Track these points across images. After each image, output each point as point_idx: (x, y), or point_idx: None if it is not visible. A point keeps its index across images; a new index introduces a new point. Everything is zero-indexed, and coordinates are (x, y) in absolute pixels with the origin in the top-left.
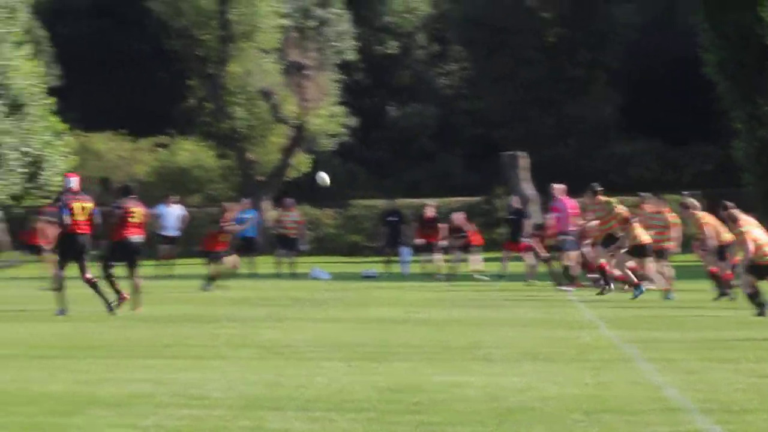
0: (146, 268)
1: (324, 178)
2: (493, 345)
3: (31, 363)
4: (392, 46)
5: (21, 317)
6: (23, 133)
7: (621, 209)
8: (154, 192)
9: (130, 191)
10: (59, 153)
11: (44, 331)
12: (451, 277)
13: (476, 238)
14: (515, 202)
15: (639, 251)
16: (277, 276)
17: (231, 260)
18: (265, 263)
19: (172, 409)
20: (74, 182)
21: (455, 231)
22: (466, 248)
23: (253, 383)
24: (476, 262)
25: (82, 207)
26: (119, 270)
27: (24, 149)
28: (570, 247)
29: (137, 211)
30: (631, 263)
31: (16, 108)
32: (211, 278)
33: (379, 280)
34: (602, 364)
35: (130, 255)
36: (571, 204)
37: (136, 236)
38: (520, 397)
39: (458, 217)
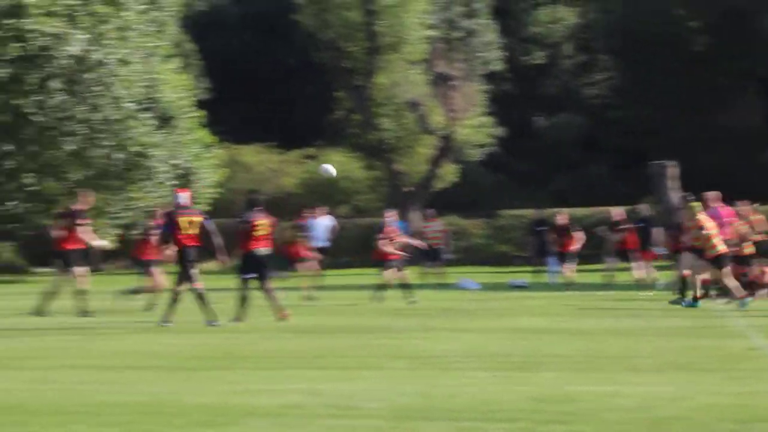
0: (294, 279)
1: (328, 169)
2: (641, 354)
3: (184, 375)
4: (539, 56)
5: (173, 329)
6: (173, 146)
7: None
8: (302, 203)
9: (256, 204)
10: (208, 165)
11: (196, 343)
12: (607, 286)
13: (632, 242)
14: (645, 209)
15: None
16: (424, 287)
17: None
18: (410, 274)
19: (325, 420)
20: (183, 198)
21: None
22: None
23: (405, 394)
24: (638, 269)
25: (189, 222)
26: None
27: (173, 162)
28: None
29: (263, 223)
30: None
31: (165, 121)
32: (381, 287)
33: (527, 289)
34: (753, 373)
35: (257, 267)
36: (727, 212)
37: (262, 248)
38: (671, 406)
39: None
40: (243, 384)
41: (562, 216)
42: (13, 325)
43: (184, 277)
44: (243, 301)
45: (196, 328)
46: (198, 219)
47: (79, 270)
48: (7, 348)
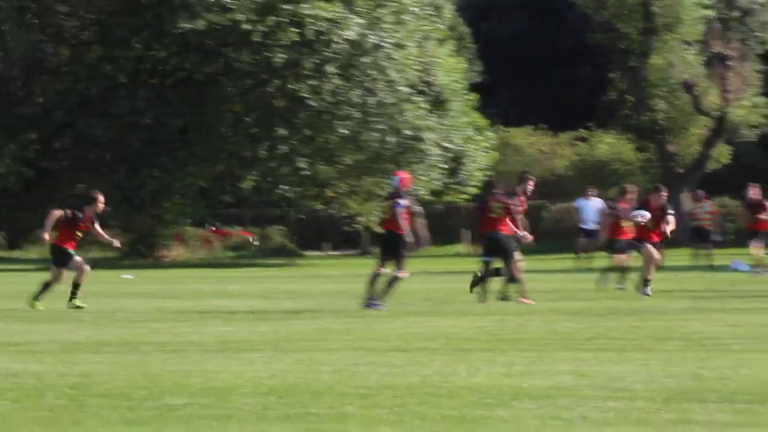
0: (565, 261)
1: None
2: None
3: (453, 356)
4: None
5: (441, 312)
6: (445, 129)
7: None
8: (573, 186)
9: (493, 185)
10: (480, 148)
11: (465, 325)
12: None
13: None
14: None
15: None
16: (694, 268)
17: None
18: (682, 256)
19: (596, 402)
20: (397, 181)
21: None
22: None
23: (676, 375)
24: None
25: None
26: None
27: (445, 145)
28: None
29: (495, 205)
30: None
31: (438, 104)
32: (606, 270)
33: None
34: None
35: (491, 250)
36: None
37: (492, 231)
38: None
39: None
40: (513, 366)
41: (754, 189)
42: (288, 308)
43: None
44: (476, 283)
45: (464, 310)
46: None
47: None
48: (284, 330)
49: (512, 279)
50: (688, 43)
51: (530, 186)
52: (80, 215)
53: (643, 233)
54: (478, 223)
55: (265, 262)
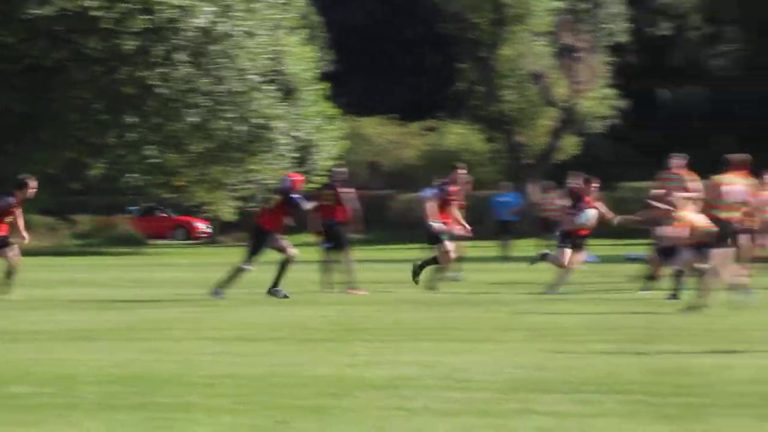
0: (412, 251)
1: None
2: (756, 327)
3: (299, 346)
4: (665, 27)
5: (288, 301)
6: (295, 118)
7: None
8: (422, 176)
9: (333, 174)
10: (330, 138)
11: (311, 315)
12: None
13: None
14: None
15: None
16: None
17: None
18: (530, 246)
19: (439, 392)
20: (288, 182)
21: None
22: None
23: (520, 366)
24: None
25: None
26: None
27: (295, 134)
28: None
29: (328, 194)
30: None
31: (289, 93)
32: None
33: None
34: None
35: (329, 237)
36: None
37: (327, 218)
38: None
39: None
40: (358, 356)
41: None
42: (132, 296)
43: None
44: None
45: (310, 300)
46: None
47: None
48: (129, 319)
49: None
50: (537, 35)
51: (461, 175)
52: (11, 200)
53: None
54: (316, 210)
55: (111, 250)
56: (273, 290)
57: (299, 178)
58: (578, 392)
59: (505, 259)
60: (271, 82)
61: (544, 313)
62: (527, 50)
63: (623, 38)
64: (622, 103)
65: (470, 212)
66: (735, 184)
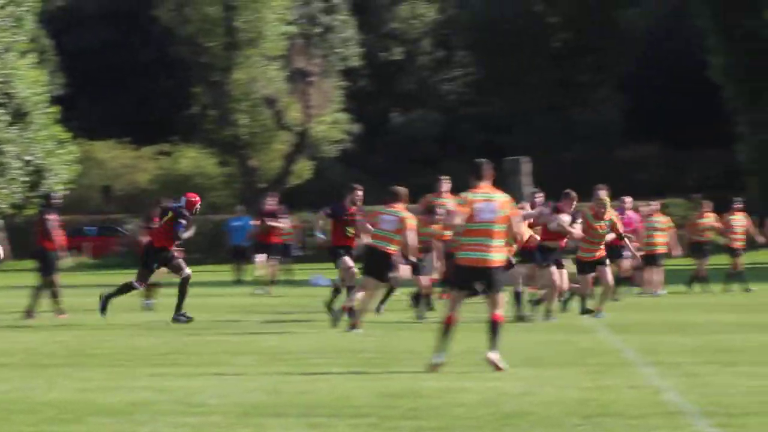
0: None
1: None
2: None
3: (32, 371)
4: (397, 53)
5: (22, 325)
6: (26, 142)
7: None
8: (156, 199)
9: (48, 200)
10: (62, 162)
11: (45, 339)
12: None
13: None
14: None
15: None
16: (274, 282)
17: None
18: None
19: (171, 417)
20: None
21: None
22: None
23: (253, 390)
24: None
25: None
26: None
27: (26, 158)
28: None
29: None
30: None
31: (19, 117)
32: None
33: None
34: (602, 368)
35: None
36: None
37: (41, 245)
38: (518, 401)
39: None
40: (92, 381)
41: (272, 199)
42: None
43: None
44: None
45: (43, 324)
46: None
47: None
48: None
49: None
50: (270, 59)
51: (358, 196)
52: None
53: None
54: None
55: None
56: (177, 316)
57: (195, 199)
58: (311, 416)
59: (239, 282)
60: (1, 105)
61: (278, 336)
62: (260, 74)
63: (355, 63)
64: (355, 128)
65: (205, 236)
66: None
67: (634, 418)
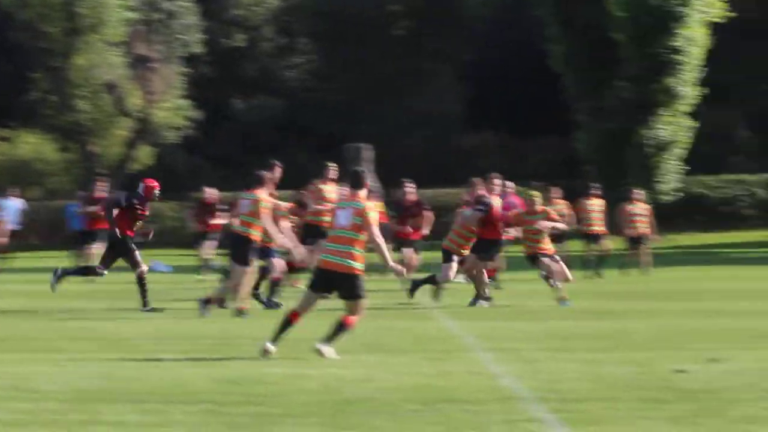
0: None
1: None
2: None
3: None
4: (239, 39)
5: None
6: None
7: None
8: None
9: None
10: None
11: None
12: None
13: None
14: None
15: None
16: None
17: None
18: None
19: (5, 403)
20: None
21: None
22: None
23: (88, 377)
24: None
25: None
26: None
27: None
28: None
29: None
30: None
31: None
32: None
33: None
34: (441, 354)
35: None
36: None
37: None
38: (358, 387)
39: None
40: None
41: (210, 191)
42: None
43: None
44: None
45: None
46: None
47: None
48: None
49: None
50: (111, 44)
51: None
52: None
53: None
54: None
55: None
56: (145, 310)
57: (153, 184)
58: (145, 402)
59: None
60: None
61: (113, 322)
62: (101, 60)
63: (198, 49)
64: (197, 114)
65: (43, 223)
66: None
67: (472, 404)
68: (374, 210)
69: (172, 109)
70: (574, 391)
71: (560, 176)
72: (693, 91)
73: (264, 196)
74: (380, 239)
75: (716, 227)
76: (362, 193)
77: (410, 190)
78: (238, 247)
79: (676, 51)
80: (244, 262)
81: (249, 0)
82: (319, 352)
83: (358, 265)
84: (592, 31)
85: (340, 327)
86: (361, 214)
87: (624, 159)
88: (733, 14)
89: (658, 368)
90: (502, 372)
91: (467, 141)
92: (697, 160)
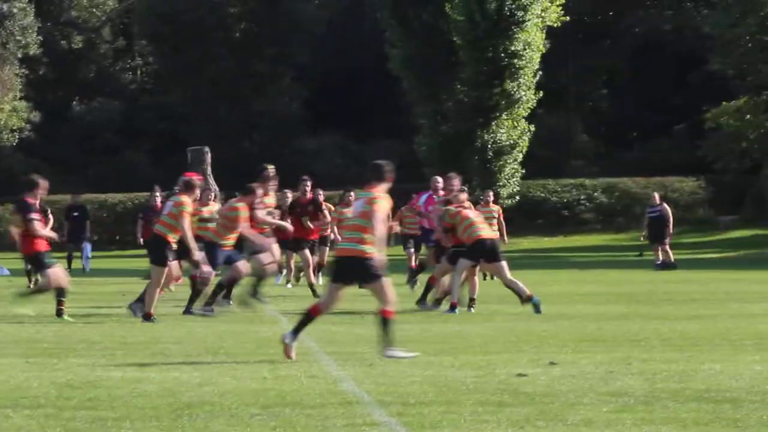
0: None
1: None
2: (172, 340)
3: None
4: (77, 41)
5: None
6: None
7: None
8: None
9: None
10: None
11: None
12: None
13: None
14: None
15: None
16: None
17: None
18: None
19: None
20: None
21: None
22: None
23: None
24: None
25: None
26: None
27: None
28: None
29: None
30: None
31: None
32: None
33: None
34: (281, 358)
35: None
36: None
37: None
38: (198, 391)
39: None
40: None
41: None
42: None
43: None
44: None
45: None
46: None
47: None
48: None
49: None
50: None
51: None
52: None
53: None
54: None
55: None
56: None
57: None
58: None
59: None
60: None
61: None
62: None
63: (35, 50)
64: (35, 116)
65: None
66: None
67: (312, 408)
68: (384, 200)
69: (10, 111)
70: (415, 394)
71: (402, 179)
72: (531, 95)
73: (186, 200)
74: (380, 231)
75: (556, 231)
76: (380, 185)
77: (308, 189)
78: (156, 249)
79: (515, 55)
80: (162, 262)
81: (86, 2)
82: (394, 357)
83: (369, 249)
84: (431, 35)
85: (385, 323)
86: (371, 202)
87: (464, 163)
88: (568, 19)
89: (497, 372)
90: (343, 376)
91: (307, 143)
92: (537, 164)
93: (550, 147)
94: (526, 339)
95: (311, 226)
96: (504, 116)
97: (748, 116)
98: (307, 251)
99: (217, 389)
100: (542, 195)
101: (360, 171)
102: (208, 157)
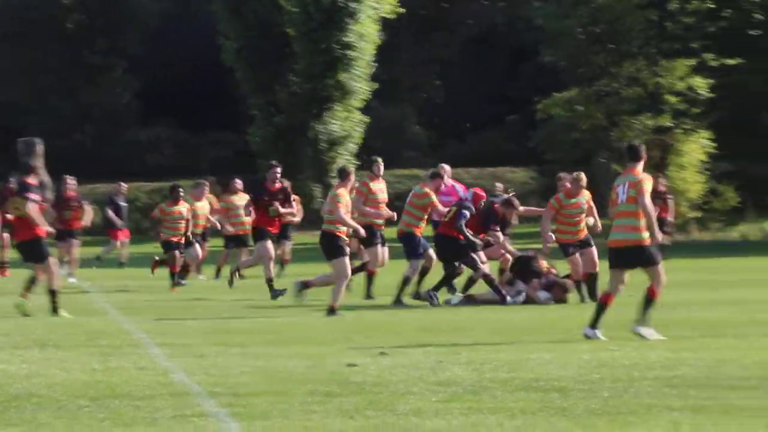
0: None
1: None
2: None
3: None
4: None
5: None
6: None
7: None
8: None
9: None
10: None
11: None
12: None
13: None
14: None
15: None
16: None
17: None
18: None
19: None
20: None
21: None
22: None
23: None
24: None
25: None
26: None
27: None
28: None
29: None
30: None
31: None
32: None
33: None
34: (111, 349)
35: None
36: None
37: None
38: (25, 383)
39: None
40: None
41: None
42: None
43: None
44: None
45: None
46: None
47: None
48: None
49: None
50: None
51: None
52: None
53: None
54: None
55: None
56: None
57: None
58: None
59: None
60: None
61: None
62: None
63: None
64: None
65: None
66: None
67: (141, 399)
68: (648, 181)
69: None
70: (245, 385)
71: (237, 171)
72: (365, 87)
73: (343, 191)
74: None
75: (393, 222)
76: (638, 165)
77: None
78: (328, 244)
79: (348, 46)
80: (340, 255)
81: None
82: (640, 335)
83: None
84: (264, 26)
85: (648, 301)
86: (635, 186)
87: (298, 154)
88: (403, 11)
89: (329, 362)
90: (173, 367)
91: (140, 135)
92: (371, 156)
93: (386, 138)
94: (356, 329)
95: (282, 212)
96: (338, 107)
97: (579, 107)
98: (269, 243)
99: (46, 381)
100: None
101: (194, 162)
102: (39, 148)
